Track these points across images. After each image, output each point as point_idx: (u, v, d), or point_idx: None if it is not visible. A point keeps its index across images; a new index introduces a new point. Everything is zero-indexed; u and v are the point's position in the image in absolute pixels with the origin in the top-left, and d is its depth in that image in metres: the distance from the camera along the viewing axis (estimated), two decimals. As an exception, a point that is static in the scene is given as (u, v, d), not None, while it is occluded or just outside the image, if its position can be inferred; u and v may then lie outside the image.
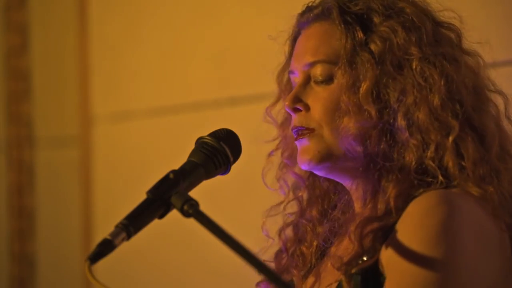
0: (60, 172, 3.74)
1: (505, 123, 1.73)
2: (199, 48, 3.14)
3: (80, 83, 3.60)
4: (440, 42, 1.69)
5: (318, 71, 1.72)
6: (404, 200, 1.61)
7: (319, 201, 1.83)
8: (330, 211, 1.81)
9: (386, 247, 1.58)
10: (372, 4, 1.72)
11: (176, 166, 1.56)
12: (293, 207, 1.87)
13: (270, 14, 2.83)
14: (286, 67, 1.85)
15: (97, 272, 1.42)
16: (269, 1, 2.87)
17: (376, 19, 1.70)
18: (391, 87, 1.66)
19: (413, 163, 1.62)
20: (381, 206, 1.63)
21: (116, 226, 1.46)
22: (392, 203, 1.61)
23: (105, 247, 1.43)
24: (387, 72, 1.66)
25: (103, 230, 1.55)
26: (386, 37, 1.68)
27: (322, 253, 1.81)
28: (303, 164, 1.72)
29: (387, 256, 1.57)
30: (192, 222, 1.47)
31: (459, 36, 1.74)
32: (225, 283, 2.94)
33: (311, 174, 1.83)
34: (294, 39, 1.82)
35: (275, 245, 1.88)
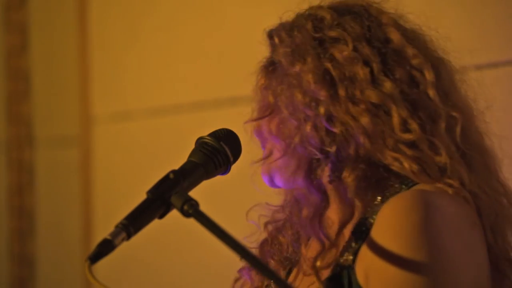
0: (60, 172, 3.74)
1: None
2: (199, 48, 3.14)
3: (80, 83, 3.60)
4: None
5: None
6: (368, 191, 1.62)
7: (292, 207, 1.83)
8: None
9: (362, 255, 1.56)
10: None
11: (176, 166, 1.56)
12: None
13: (270, 14, 2.83)
14: None
15: (97, 272, 1.42)
16: (269, 1, 2.87)
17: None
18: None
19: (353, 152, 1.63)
20: (346, 202, 1.66)
21: (116, 226, 1.46)
22: (355, 197, 1.63)
23: (105, 247, 1.43)
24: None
25: (103, 230, 1.55)
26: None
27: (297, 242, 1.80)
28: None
29: (366, 266, 1.55)
30: (192, 222, 1.47)
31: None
32: (225, 283, 2.94)
33: None
34: None
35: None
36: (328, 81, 1.63)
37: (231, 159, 1.63)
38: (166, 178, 1.52)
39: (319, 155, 1.63)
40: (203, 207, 1.47)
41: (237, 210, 2.84)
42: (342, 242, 1.64)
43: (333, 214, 1.68)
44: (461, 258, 1.53)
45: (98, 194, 3.53)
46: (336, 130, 1.61)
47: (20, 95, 3.80)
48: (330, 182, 1.65)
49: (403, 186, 1.60)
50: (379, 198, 1.62)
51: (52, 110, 3.78)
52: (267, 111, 1.70)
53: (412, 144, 1.60)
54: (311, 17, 1.70)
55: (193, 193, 1.53)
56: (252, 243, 1.82)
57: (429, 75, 1.63)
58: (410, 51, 1.65)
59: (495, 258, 1.61)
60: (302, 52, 1.65)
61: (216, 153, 1.61)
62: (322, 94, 1.61)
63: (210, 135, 1.63)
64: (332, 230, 1.66)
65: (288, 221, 1.79)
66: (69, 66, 3.65)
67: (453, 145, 1.61)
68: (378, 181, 1.63)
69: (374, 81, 1.62)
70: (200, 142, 1.62)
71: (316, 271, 1.62)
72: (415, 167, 1.58)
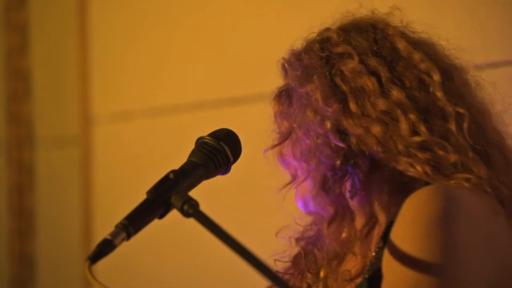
0: (60, 172, 3.74)
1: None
2: (199, 48, 3.14)
3: (80, 83, 3.60)
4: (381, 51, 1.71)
5: None
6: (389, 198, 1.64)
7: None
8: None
9: (386, 250, 1.57)
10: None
11: (176, 166, 1.56)
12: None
13: (270, 14, 2.83)
14: None
15: (97, 272, 1.42)
16: (269, 1, 2.87)
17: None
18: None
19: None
20: (367, 213, 1.68)
21: (116, 226, 1.46)
22: (378, 208, 1.66)
23: (105, 247, 1.43)
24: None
25: (103, 230, 1.55)
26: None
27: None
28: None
29: (384, 258, 1.56)
30: (192, 222, 1.47)
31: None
32: (224, 284, 2.94)
33: None
34: None
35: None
36: (338, 96, 1.67)
37: (231, 159, 1.63)
38: (166, 178, 1.52)
39: (337, 171, 1.66)
40: (203, 207, 1.47)
41: (237, 210, 2.84)
42: (373, 248, 1.66)
43: (360, 225, 1.71)
44: (478, 257, 1.52)
45: (98, 194, 3.53)
46: (350, 143, 1.65)
47: (20, 95, 3.80)
48: (351, 197, 1.69)
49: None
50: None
51: (52, 110, 3.78)
52: (284, 136, 1.75)
53: (423, 147, 1.62)
54: (318, 39, 1.75)
55: (193, 193, 1.53)
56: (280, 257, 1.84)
57: (436, 77, 1.66)
58: (417, 56, 1.68)
59: None
60: (310, 72, 1.70)
61: (216, 153, 1.61)
62: (331, 110, 1.65)
63: (210, 135, 1.63)
64: (362, 241, 1.69)
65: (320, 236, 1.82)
66: (69, 66, 3.65)
67: (466, 143, 1.63)
68: (401, 185, 1.65)
69: (382, 90, 1.65)
70: (200, 142, 1.62)
71: (351, 279, 1.65)
72: (428, 168, 1.60)
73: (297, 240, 1.85)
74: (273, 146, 1.77)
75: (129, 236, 1.46)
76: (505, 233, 1.57)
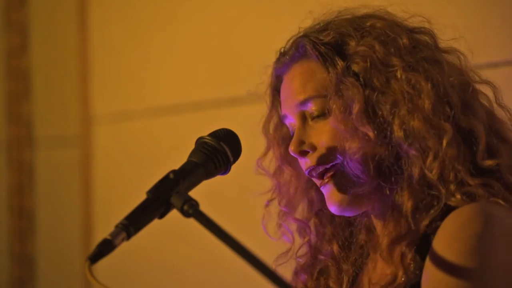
0: (60, 172, 3.74)
1: (497, 110, 1.73)
2: (199, 48, 3.14)
3: (80, 83, 3.59)
4: (418, 47, 1.69)
5: (312, 108, 1.72)
6: (423, 212, 1.61)
7: (339, 235, 1.83)
8: (354, 240, 1.81)
9: (425, 269, 1.57)
10: (342, 30, 1.72)
11: (176, 166, 1.56)
12: (302, 250, 1.86)
13: (270, 15, 2.83)
14: (270, 118, 1.86)
15: (97, 272, 1.42)
16: (270, 2, 2.87)
17: (351, 42, 1.70)
18: (382, 102, 1.66)
19: (417, 174, 1.62)
20: (402, 222, 1.63)
21: (116, 226, 1.46)
22: (410, 217, 1.62)
23: (105, 247, 1.43)
24: (375, 88, 1.67)
25: (103, 230, 1.55)
26: (366, 56, 1.68)
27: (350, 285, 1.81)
28: (334, 210, 1.72)
29: (425, 274, 1.57)
30: (192, 222, 1.47)
31: (433, 37, 1.73)
32: (224, 284, 2.94)
33: (317, 213, 1.83)
34: (274, 88, 1.83)
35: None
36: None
37: (231, 159, 1.63)
38: (166, 178, 1.52)
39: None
40: (203, 207, 1.47)
41: (237, 210, 2.84)
42: (405, 261, 1.64)
43: (388, 232, 1.69)
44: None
45: (98, 194, 3.53)
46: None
47: (20, 95, 3.80)
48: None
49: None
50: (437, 215, 1.62)
51: (52, 110, 3.78)
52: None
53: (487, 170, 1.63)
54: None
55: (193, 193, 1.53)
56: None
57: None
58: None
59: None
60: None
61: (216, 153, 1.60)
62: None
63: (210, 135, 1.63)
64: (391, 250, 1.66)
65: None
66: (69, 66, 3.65)
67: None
68: (432, 200, 1.63)
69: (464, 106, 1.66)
70: (200, 142, 1.62)
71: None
72: (476, 193, 1.60)
73: (294, 274, 1.85)
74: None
75: (129, 236, 1.46)
76: None
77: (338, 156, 1.68)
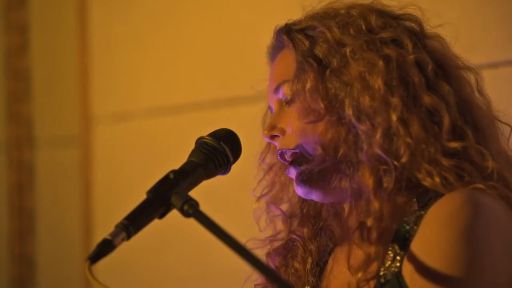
0: (60, 172, 3.74)
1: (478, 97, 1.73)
2: (199, 48, 3.14)
3: (80, 83, 3.59)
4: (384, 29, 1.70)
5: (284, 93, 1.74)
6: (388, 189, 1.61)
7: (311, 221, 1.83)
8: (323, 224, 1.81)
9: (410, 259, 1.57)
10: (316, 17, 1.76)
11: (176, 166, 1.56)
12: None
13: (270, 15, 2.83)
14: (266, 112, 1.88)
15: (97, 272, 1.42)
16: (270, 2, 2.87)
17: (316, 26, 1.73)
18: (337, 81, 1.67)
19: (369, 150, 1.62)
20: (368, 201, 1.63)
21: (116, 226, 1.46)
22: (372, 195, 1.61)
23: (105, 247, 1.43)
24: (334, 69, 1.68)
25: (103, 230, 1.55)
26: (324, 37, 1.70)
27: (320, 270, 1.80)
28: (300, 193, 1.73)
29: (411, 269, 1.56)
30: (192, 222, 1.47)
31: (420, 24, 1.74)
32: (224, 283, 2.94)
33: (302, 200, 1.83)
34: None
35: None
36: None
37: (231, 159, 1.63)
38: (166, 178, 1.52)
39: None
40: (203, 207, 1.47)
41: (237, 210, 2.84)
42: (383, 250, 1.63)
43: (356, 213, 1.69)
44: (505, 263, 1.54)
45: (98, 194, 3.53)
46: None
47: (20, 95, 3.80)
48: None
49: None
50: (415, 205, 1.62)
51: (52, 110, 3.78)
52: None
53: (456, 152, 1.62)
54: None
55: (193, 193, 1.53)
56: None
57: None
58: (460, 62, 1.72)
59: None
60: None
61: (216, 153, 1.61)
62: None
63: (210, 135, 1.63)
64: (370, 239, 1.65)
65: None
66: (69, 66, 3.65)
67: (502, 152, 1.66)
68: (411, 188, 1.63)
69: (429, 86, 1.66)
70: (200, 142, 1.62)
71: (365, 277, 1.63)
72: (451, 177, 1.59)
73: (267, 255, 1.85)
74: None
75: (129, 236, 1.46)
76: None
77: (301, 138, 1.69)
